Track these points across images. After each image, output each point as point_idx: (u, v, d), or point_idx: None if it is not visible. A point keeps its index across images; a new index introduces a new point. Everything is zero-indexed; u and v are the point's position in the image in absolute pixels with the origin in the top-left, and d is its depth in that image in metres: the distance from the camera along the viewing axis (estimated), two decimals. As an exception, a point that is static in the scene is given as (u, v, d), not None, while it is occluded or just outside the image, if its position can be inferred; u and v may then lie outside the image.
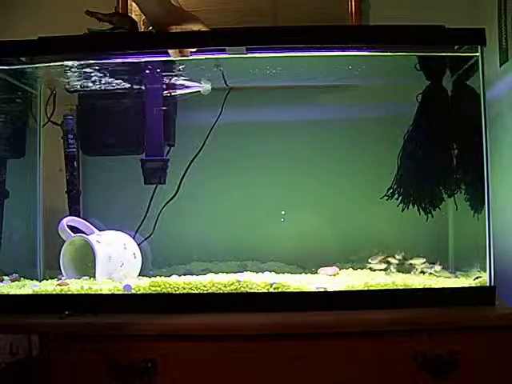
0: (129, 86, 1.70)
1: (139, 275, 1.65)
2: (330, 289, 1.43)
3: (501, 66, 1.61)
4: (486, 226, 1.41)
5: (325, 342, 1.31)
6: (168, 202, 1.78)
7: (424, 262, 1.58)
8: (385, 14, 1.87)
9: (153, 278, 1.52)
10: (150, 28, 1.63)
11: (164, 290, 1.44)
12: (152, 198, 1.79)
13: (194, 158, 1.79)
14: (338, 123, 1.85)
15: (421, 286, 1.44)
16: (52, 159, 1.78)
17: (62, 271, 1.58)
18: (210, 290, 1.44)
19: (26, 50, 1.51)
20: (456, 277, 1.55)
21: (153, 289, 1.45)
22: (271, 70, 1.64)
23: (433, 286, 1.44)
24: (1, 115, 1.75)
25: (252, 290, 1.44)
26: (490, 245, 1.41)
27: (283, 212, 1.84)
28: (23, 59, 1.56)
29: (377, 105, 1.83)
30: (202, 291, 1.44)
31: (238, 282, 1.45)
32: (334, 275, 1.61)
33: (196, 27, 1.42)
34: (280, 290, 1.43)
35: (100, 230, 1.67)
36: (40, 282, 1.61)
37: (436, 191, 1.59)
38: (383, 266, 1.60)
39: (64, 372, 1.32)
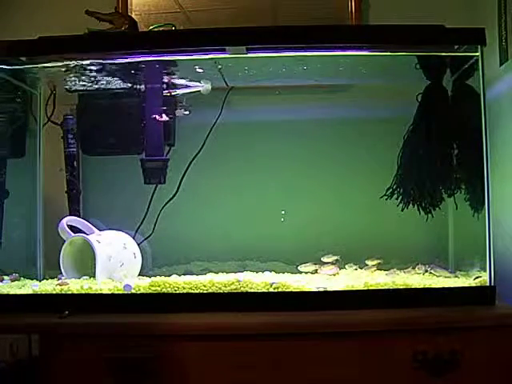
0: (129, 85, 1.70)
1: (139, 275, 1.65)
2: (330, 289, 1.43)
3: (501, 65, 1.61)
4: (485, 225, 1.41)
5: (325, 341, 1.31)
6: (168, 202, 1.79)
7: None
8: (385, 14, 1.87)
9: (153, 278, 1.52)
10: (150, 28, 1.64)
11: (164, 290, 1.44)
12: (152, 197, 1.79)
13: (193, 158, 1.79)
14: (338, 123, 1.85)
15: (421, 286, 1.44)
16: (52, 159, 1.78)
17: (62, 271, 1.58)
18: (210, 290, 1.44)
19: (25, 50, 1.51)
20: (456, 276, 1.55)
21: (153, 288, 1.45)
22: (271, 70, 1.64)
23: (433, 286, 1.44)
24: (1, 115, 1.75)
25: (252, 290, 1.44)
26: (490, 244, 1.41)
27: (283, 212, 1.84)
28: (23, 59, 1.56)
29: (377, 105, 1.83)
30: (201, 291, 1.44)
31: (238, 281, 1.45)
32: (334, 275, 1.61)
33: None
34: (280, 289, 1.43)
35: (100, 230, 1.67)
36: (40, 281, 1.61)
37: (436, 191, 1.58)
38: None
39: (64, 372, 1.32)
